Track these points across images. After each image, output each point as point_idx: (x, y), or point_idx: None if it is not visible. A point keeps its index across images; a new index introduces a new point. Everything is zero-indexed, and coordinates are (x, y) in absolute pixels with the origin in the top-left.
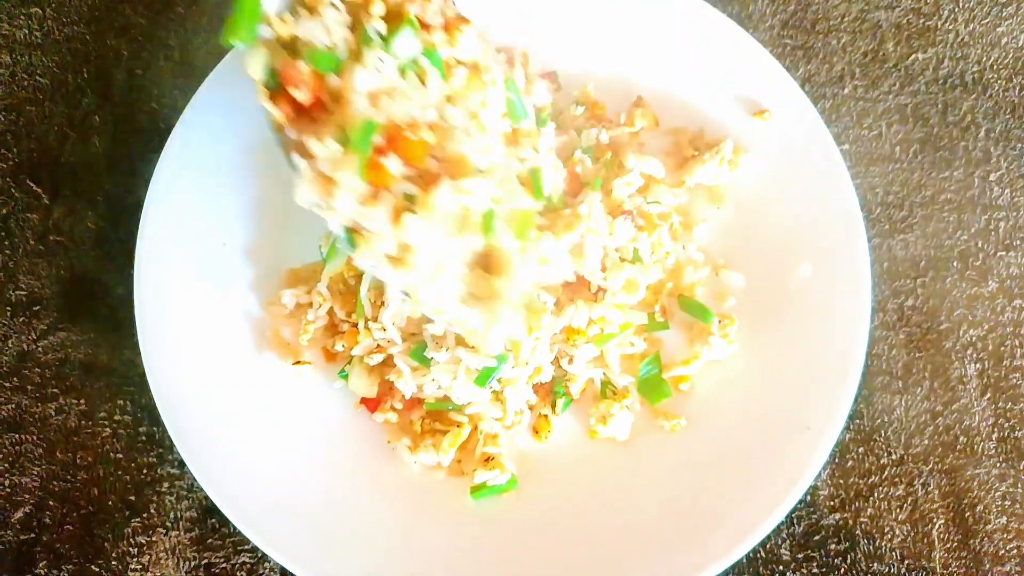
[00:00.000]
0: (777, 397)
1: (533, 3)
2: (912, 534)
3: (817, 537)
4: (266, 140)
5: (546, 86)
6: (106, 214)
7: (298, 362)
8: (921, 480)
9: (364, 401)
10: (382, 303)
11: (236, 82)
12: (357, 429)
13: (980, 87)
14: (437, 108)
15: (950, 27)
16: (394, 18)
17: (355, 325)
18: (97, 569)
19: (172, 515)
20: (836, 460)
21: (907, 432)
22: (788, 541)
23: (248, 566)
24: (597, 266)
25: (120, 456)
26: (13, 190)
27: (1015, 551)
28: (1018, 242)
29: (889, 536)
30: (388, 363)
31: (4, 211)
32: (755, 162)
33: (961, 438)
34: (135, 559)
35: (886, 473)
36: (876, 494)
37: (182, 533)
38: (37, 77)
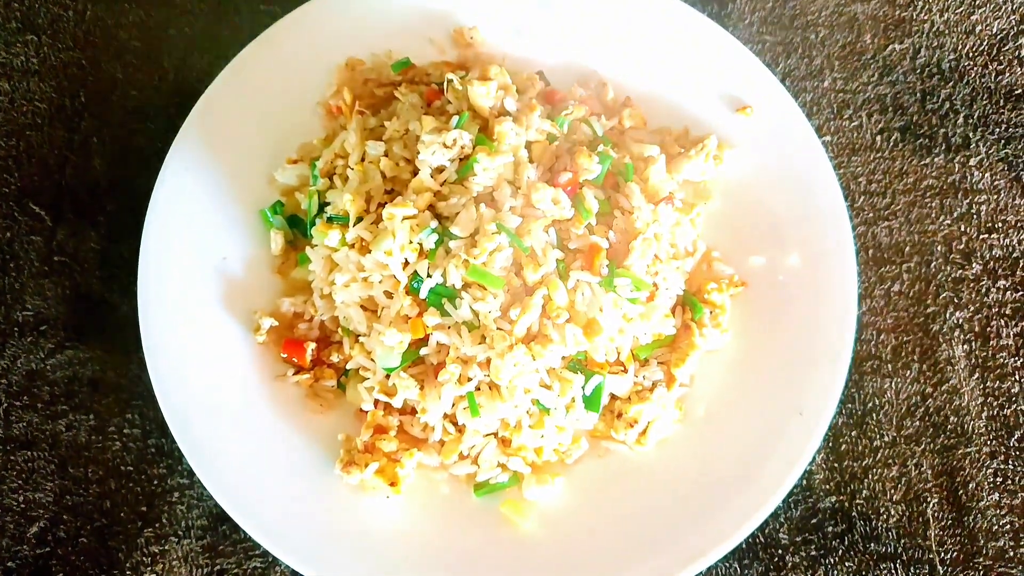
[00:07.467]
0: (770, 384)
1: (519, 6)
2: (907, 514)
3: (814, 520)
4: (259, 156)
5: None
6: (108, 234)
7: (298, 371)
8: (914, 461)
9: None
10: None
11: (228, 101)
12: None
13: (957, 74)
14: None
15: (925, 17)
16: None
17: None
18: None
19: (183, 524)
20: (830, 444)
21: (898, 414)
22: (786, 525)
23: (259, 570)
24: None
25: (131, 469)
26: (16, 214)
27: (1008, 526)
28: (1000, 224)
29: (885, 516)
30: None
31: (8, 235)
32: (739, 157)
33: (951, 418)
34: (149, 568)
35: (879, 455)
36: (870, 476)
37: (194, 541)
38: (36, 103)
